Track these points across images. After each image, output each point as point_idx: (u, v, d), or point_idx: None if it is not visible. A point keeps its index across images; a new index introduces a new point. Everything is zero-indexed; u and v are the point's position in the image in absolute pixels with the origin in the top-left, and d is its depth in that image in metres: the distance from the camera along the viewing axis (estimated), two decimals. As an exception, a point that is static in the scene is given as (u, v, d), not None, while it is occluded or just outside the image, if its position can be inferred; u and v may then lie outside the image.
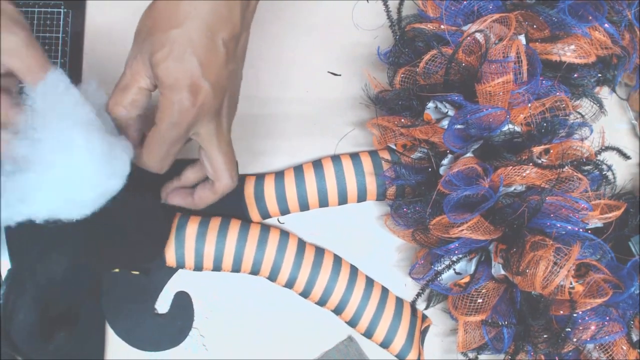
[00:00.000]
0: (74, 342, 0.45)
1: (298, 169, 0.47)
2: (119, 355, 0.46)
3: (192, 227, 0.44)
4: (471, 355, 0.43)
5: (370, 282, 0.47)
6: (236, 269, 0.45)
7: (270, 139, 0.50)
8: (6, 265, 0.44)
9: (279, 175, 0.47)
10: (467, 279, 0.42)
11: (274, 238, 0.45)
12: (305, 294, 0.46)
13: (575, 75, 0.43)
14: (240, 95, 0.50)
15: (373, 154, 0.48)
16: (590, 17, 0.43)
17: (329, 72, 0.52)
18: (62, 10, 0.49)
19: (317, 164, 0.47)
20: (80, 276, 0.42)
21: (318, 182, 0.46)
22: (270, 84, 0.51)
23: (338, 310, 0.46)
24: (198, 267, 0.45)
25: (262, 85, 0.51)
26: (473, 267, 0.41)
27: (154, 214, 0.44)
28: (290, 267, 0.45)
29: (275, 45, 0.51)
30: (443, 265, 0.42)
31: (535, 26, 0.43)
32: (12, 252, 0.39)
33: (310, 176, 0.47)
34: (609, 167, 0.43)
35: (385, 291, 0.47)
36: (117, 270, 0.43)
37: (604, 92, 0.48)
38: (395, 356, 0.46)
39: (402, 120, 0.44)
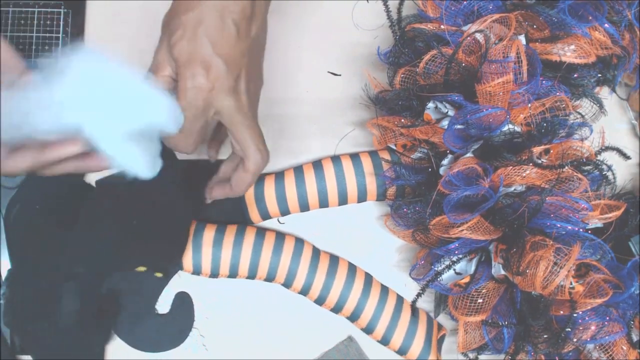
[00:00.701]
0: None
1: (298, 170, 0.47)
2: (119, 355, 0.46)
3: (209, 234, 0.44)
4: (471, 355, 0.43)
5: (385, 289, 0.47)
6: (252, 275, 0.45)
7: (270, 139, 0.49)
8: (6, 265, 0.45)
9: (279, 176, 0.47)
10: (467, 279, 0.42)
11: (289, 245, 0.46)
12: (320, 300, 0.46)
13: (575, 75, 0.43)
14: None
15: (373, 154, 0.48)
16: (590, 17, 0.42)
17: (329, 72, 0.52)
18: (62, 10, 0.49)
19: (317, 164, 0.47)
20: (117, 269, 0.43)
21: (318, 183, 0.46)
22: (270, 84, 0.51)
23: (354, 317, 0.46)
24: (214, 273, 0.45)
25: (261, 87, 0.50)
26: (473, 267, 0.41)
27: (178, 213, 0.44)
28: (306, 273, 0.45)
29: (276, 45, 0.51)
30: (443, 266, 0.42)
31: (535, 26, 0.43)
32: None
33: (310, 177, 0.47)
34: (609, 167, 0.43)
35: (400, 298, 0.47)
36: (143, 268, 0.43)
37: (604, 92, 0.48)
38: None
39: (402, 120, 0.44)
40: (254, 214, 0.47)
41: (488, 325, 0.41)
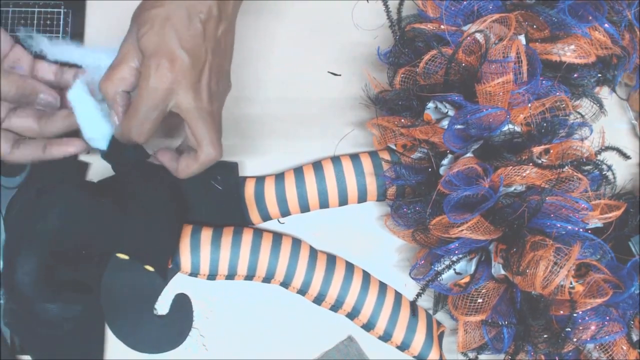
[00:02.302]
0: (77, 334, 0.45)
1: (298, 171, 0.47)
2: (119, 356, 0.46)
3: (206, 234, 0.45)
4: (471, 355, 0.43)
5: (383, 284, 0.47)
6: (251, 274, 0.45)
7: (270, 140, 0.50)
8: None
9: (279, 177, 0.47)
10: (467, 279, 0.42)
11: (287, 243, 0.46)
12: (320, 297, 0.46)
13: (575, 75, 0.43)
14: (240, 96, 0.50)
15: (373, 154, 0.48)
16: (590, 17, 0.43)
17: (329, 72, 0.51)
18: (62, 10, 0.49)
19: (317, 165, 0.47)
20: (89, 251, 0.43)
21: (318, 184, 0.46)
22: (270, 84, 0.51)
23: (354, 313, 0.46)
24: (213, 274, 0.45)
25: (262, 86, 0.51)
26: (473, 267, 0.41)
27: (167, 209, 0.44)
28: (305, 270, 0.45)
29: (276, 45, 0.51)
30: (443, 265, 0.42)
31: (535, 26, 0.43)
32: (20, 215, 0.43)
33: (310, 177, 0.47)
34: (609, 167, 0.43)
35: (399, 294, 0.47)
36: (125, 256, 0.43)
37: (603, 92, 0.48)
38: (416, 357, 0.46)
39: (402, 120, 0.44)
40: (254, 215, 0.47)
41: (488, 325, 0.41)
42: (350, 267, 0.47)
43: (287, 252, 0.45)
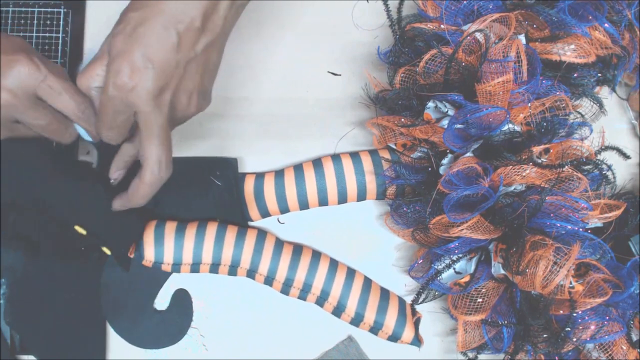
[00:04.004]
0: (74, 340, 0.45)
1: (298, 168, 0.47)
2: (119, 355, 0.46)
3: (170, 226, 0.45)
4: (471, 354, 0.43)
5: (351, 270, 0.47)
6: (216, 262, 0.45)
7: (271, 139, 0.50)
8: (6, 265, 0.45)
9: (279, 174, 0.47)
10: (467, 279, 0.42)
11: (252, 233, 0.46)
12: (287, 284, 0.45)
13: (575, 75, 0.43)
14: (241, 96, 0.50)
15: (373, 153, 0.48)
16: (590, 17, 0.43)
17: (329, 72, 0.52)
18: (62, 10, 0.49)
19: (317, 162, 0.47)
20: (48, 211, 0.42)
21: (318, 181, 0.46)
22: (270, 84, 0.51)
23: (322, 298, 0.45)
24: (177, 262, 0.44)
25: (262, 85, 0.51)
26: (473, 267, 0.41)
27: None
28: (270, 257, 0.45)
29: (276, 45, 0.51)
30: (443, 265, 0.42)
31: (535, 26, 0.43)
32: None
33: (310, 175, 0.47)
34: (609, 167, 0.43)
35: (367, 279, 0.47)
36: (83, 231, 0.42)
37: (603, 91, 0.48)
38: (391, 336, 0.46)
39: (402, 119, 0.44)
40: (253, 211, 0.47)
41: (488, 325, 0.41)
42: (316, 254, 0.47)
43: (252, 240, 0.45)
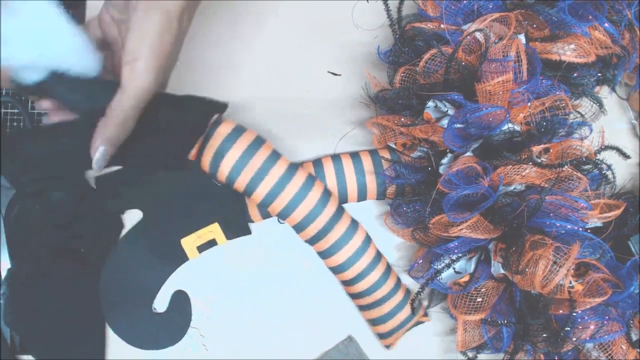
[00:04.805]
0: (73, 340, 0.45)
1: (298, 168, 0.47)
2: (119, 356, 0.46)
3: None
4: (470, 354, 0.43)
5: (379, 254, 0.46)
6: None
7: (270, 139, 0.50)
8: (6, 265, 0.45)
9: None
10: (466, 278, 0.42)
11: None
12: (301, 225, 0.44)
13: (575, 74, 0.43)
14: (240, 96, 0.50)
15: (373, 153, 0.48)
16: (590, 17, 0.42)
17: (329, 72, 0.52)
18: (62, 10, 0.49)
19: (317, 162, 0.47)
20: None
21: (318, 181, 0.46)
22: (269, 84, 0.51)
23: (315, 240, 0.44)
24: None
25: (261, 86, 0.51)
26: (472, 266, 0.42)
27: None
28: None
29: (275, 45, 0.51)
30: (442, 264, 0.42)
31: (535, 25, 0.43)
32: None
33: (310, 175, 0.47)
34: (609, 167, 0.43)
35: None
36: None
37: (603, 91, 0.48)
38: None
39: (402, 119, 0.44)
40: (253, 211, 0.47)
41: (487, 324, 0.41)
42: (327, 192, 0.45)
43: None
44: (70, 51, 0.34)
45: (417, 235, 0.44)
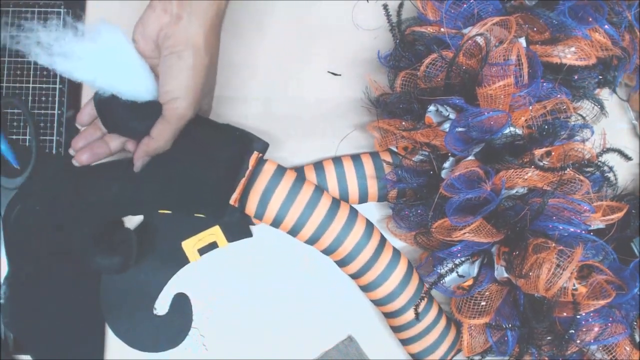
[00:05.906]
0: (72, 340, 0.45)
1: (299, 171, 0.47)
2: (119, 355, 0.46)
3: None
4: (476, 358, 0.43)
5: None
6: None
7: (271, 140, 0.50)
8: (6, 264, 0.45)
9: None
10: (470, 282, 0.42)
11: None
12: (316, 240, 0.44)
13: (576, 77, 0.43)
14: (241, 96, 0.50)
15: (374, 155, 0.48)
16: (590, 19, 0.42)
17: (329, 71, 0.51)
18: (62, 10, 0.49)
19: (318, 165, 0.47)
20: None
21: (319, 184, 0.46)
22: (270, 85, 0.51)
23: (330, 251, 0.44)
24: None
25: (262, 87, 0.51)
26: (476, 270, 0.41)
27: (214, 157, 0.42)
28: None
29: (275, 46, 0.51)
30: (446, 268, 0.42)
31: (535, 29, 0.43)
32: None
33: (311, 178, 0.46)
34: (611, 169, 0.43)
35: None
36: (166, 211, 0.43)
37: (604, 93, 0.48)
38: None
39: (403, 123, 0.44)
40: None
41: (492, 328, 0.41)
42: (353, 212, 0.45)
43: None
44: (130, 78, 0.38)
45: (420, 239, 0.44)
